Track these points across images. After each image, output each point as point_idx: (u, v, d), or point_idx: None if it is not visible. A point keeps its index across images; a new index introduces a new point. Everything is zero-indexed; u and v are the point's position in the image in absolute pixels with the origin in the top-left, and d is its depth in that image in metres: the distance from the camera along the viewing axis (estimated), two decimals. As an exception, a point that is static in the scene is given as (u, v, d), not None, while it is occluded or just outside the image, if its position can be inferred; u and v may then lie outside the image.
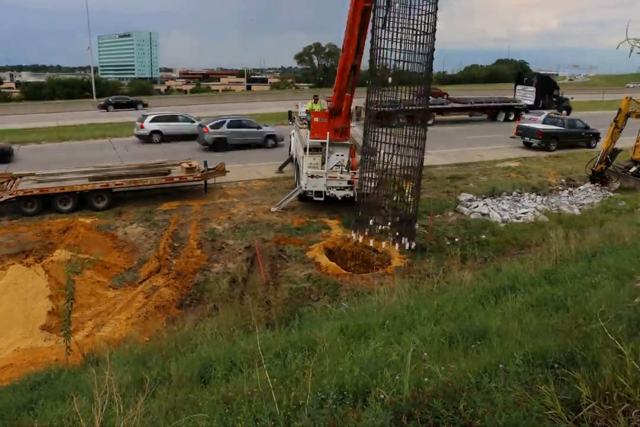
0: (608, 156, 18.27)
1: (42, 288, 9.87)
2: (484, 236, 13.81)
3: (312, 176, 14.59)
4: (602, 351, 3.50)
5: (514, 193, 17.67)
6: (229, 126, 23.71)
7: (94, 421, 3.26)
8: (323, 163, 14.76)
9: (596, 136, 26.12)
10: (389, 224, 11.82)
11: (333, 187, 14.76)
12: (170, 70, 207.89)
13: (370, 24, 11.78)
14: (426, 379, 3.43)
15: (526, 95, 34.83)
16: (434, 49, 11.15)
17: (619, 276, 6.13)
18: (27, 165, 19.25)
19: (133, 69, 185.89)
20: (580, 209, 16.23)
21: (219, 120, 24.38)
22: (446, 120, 32.48)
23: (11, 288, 9.76)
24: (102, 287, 11.14)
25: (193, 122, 26.14)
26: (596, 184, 18.57)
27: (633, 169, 18.57)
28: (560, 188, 18.67)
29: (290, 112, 21.44)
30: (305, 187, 14.81)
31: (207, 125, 23.61)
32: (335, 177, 14.70)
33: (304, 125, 17.44)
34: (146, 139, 25.64)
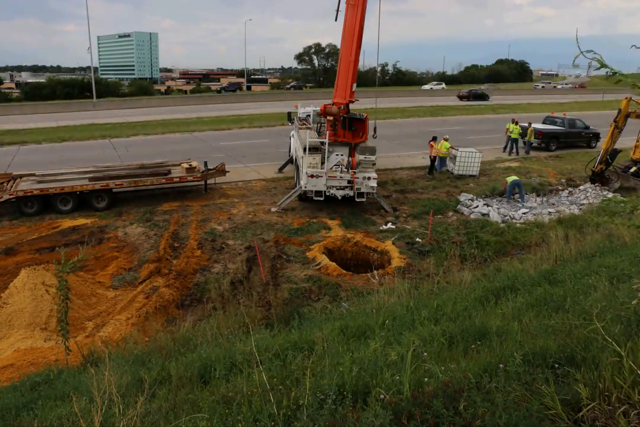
0: (608, 157, 18.23)
1: (51, 289, 9.90)
2: (484, 236, 13.80)
3: (312, 176, 14.59)
4: (602, 351, 3.50)
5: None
6: None
7: (94, 421, 3.26)
8: (323, 163, 14.77)
9: (596, 136, 26.13)
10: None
11: (333, 186, 14.76)
12: (170, 70, 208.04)
13: None
14: (426, 379, 3.43)
15: None
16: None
17: (618, 276, 6.13)
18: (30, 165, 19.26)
19: (133, 69, 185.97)
20: (580, 209, 16.22)
21: None
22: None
23: (27, 287, 9.79)
24: (103, 288, 11.14)
25: None
26: (596, 184, 18.55)
27: (633, 169, 18.53)
28: (560, 188, 18.67)
29: (289, 113, 21.46)
30: (305, 187, 14.81)
31: None
32: (335, 177, 14.71)
33: (304, 126, 17.46)
34: None
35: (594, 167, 18.46)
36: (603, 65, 3.04)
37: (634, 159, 18.85)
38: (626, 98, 18.03)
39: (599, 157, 18.40)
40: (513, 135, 23.49)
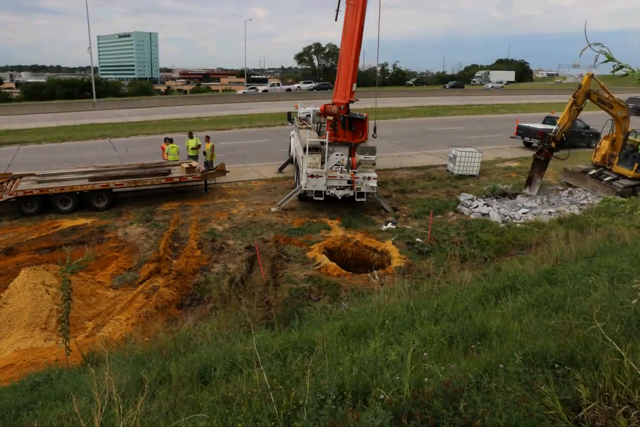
0: (564, 135, 16.40)
1: (51, 289, 9.90)
2: (484, 236, 13.79)
3: (312, 176, 14.59)
4: (602, 351, 3.49)
5: (514, 193, 17.66)
6: None
7: (94, 421, 3.25)
8: (323, 163, 14.77)
9: (596, 136, 26.09)
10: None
11: (333, 186, 14.76)
12: (170, 70, 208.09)
13: None
14: (426, 379, 3.43)
15: None
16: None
17: (618, 276, 6.12)
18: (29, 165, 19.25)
19: (133, 69, 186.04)
20: (580, 209, 16.21)
21: None
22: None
23: (27, 287, 9.79)
24: (103, 288, 11.14)
25: None
26: (539, 156, 16.76)
27: (592, 171, 17.93)
28: (560, 188, 18.65)
29: (289, 113, 21.47)
30: (305, 187, 14.81)
31: None
32: (335, 177, 14.71)
33: (304, 126, 17.46)
34: None
35: (554, 133, 16.62)
36: (610, 59, 3.01)
37: (595, 163, 18.24)
38: (588, 74, 16.40)
39: (554, 133, 16.62)
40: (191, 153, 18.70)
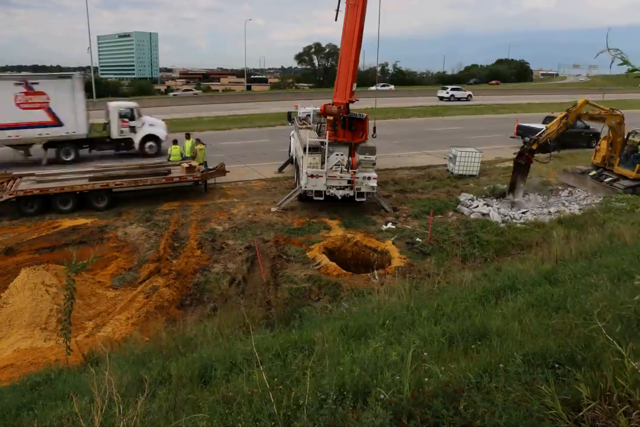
0: (549, 141, 15.91)
1: (51, 289, 9.90)
2: (484, 236, 13.78)
3: (312, 176, 14.60)
4: (603, 351, 3.49)
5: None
6: None
7: (94, 421, 3.25)
8: (323, 163, 14.77)
9: (596, 136, 26.08)
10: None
11: (333, 186, 14.76)
12: (170, 70, 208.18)
13: None
14: (426, 379, 3.42)
15: None
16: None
17: (619, 275, 6.12)
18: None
19: (133, 69, 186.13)
20: (580, 209, 16.20)
21: None
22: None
23: (27, 287, 9.80)
24: (103, 287, 11.14)
25: None
26: (520, 160, 16.13)
27: (592, 173, 18.08)
28: (560, 188, 18.64)
29: (289, 113, 21.49)
30: (305, 187, 14.81)
31: None
32: (335, 177, 14.71)
33: (304, 126, 17.46)
34: None
35: (539, 137, 16.01)
36: (626, 62, 3.14)
37: (595, 164, 18.33)
38: (582, 99, 16.59)
39: (539, 136, 15.99)
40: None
